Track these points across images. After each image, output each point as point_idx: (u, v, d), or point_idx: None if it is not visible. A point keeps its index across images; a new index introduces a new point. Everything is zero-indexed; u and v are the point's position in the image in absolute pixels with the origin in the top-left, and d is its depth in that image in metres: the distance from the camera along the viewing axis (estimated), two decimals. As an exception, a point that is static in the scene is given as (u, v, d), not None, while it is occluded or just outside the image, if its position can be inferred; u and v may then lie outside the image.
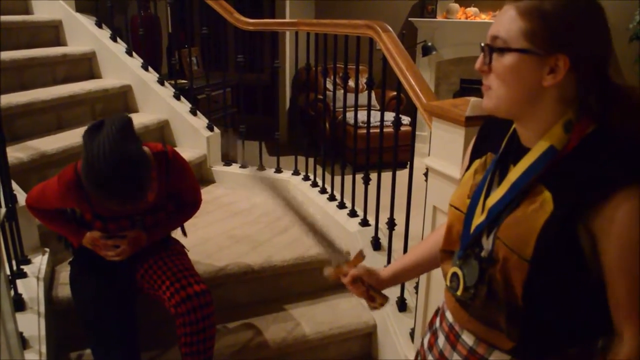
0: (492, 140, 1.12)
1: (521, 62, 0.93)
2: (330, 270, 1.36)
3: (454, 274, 1.08)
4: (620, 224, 0.88)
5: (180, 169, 2.04)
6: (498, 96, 0.97)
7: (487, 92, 1.00)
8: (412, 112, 2.21)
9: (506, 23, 0.94)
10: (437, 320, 1.22)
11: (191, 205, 2.19)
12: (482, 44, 0.98)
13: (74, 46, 3.69)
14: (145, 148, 1.84)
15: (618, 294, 0.92)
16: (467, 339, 1.10)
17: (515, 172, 0.99)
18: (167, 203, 2.07)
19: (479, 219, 1.04)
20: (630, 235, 0.87)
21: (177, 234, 2.29)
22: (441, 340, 1.17)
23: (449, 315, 1.15)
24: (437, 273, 1.89)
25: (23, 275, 2.16)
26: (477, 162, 1.13)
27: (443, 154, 1.78)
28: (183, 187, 2.10)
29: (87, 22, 3.70)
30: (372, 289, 1.32)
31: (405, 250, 2.31)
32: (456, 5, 5.68)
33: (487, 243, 1.02)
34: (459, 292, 1.06)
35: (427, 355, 1.23)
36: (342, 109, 2.98)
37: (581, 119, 0.94)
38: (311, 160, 3.35)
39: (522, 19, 0.92)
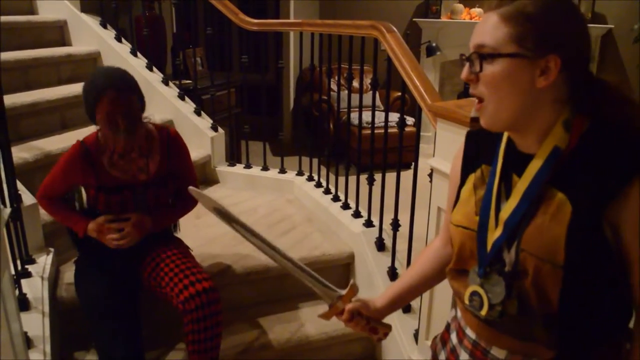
0: (482, 151, 1.10)
1: (512, 66, 0.92)
2: (325, 312, 1.32)
3: (475, 293, 1.04)
4: (633, 209, 0.89)
5: (180, 149, 2.16)
6: (495, 109, 0.97)
7: (481, 109, 0.99)
8: (416, 112, 2.20)
9: (491, 30, 0.94)
10: (454, 337, 1.18)
11: (191, 197, 2.20)
12: (465, 55, 0.99)
13: (78, 46, 3.70)
14: (150, 125, 2.08)
15: (637, 280, 0.92)
16: (497, 353, 1.07)
17: (523, 181, 0.98)
18: (168, 181, 2.11)
19: (494, 233, 1.01)
20: None
21: (179, 234, 2.29)
22: (464, 357, 1.14)
23: (470, 332, 1.12)
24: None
25: (28, 275, 2.16)
26: (472, 177, 1.10)
27: (448, 154, 1.77)
28: (183, 170, 2.17)
29: (91, 22, 3.71)
30: (372, 321, 1.29)
31: (409, 252, 2.31)
32: (460, 6, 5.68)
33: (508, 257, 0.99)
34: (483, 312, 1.03)
35: (440, 350, 1.22)
36: (346, 110, 2.97)
37: (577, 117, 0.95)
38: (315, 161, 3.35)
39: (507, 25, 0.92)
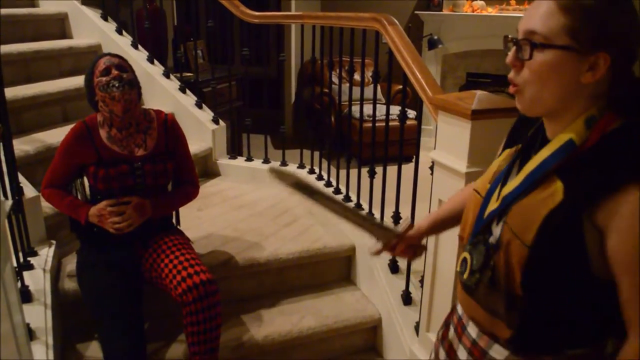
0: (523, 132, 1.12)
1: (561, 58, 0.90)
2: (378, 248, 1.33)
3: (464, 259, 1.10)
4: (624, 219, 0.87)
5: (178, 134, 2.24)
6: (533, 96, 0.96)
7: (519, 93, 0.98)
8: (418, 105, 2.20)
9: (545, 17, 0.91)
10: (452, 315, 1.24)
11: (190, 185, 2.30)
12: (514, 38, 0.96)
13: (79, 39, 3.70)
14: (149, 109, 2.23)
15: (623, 292, 0.91)
16: (472, 330, 1.11)
17: (532, 163, 0.99)
18: (167, 161, 2.16)
19: (493, 205, 1.05)
20: (634, 231, 0.86)
21: (183, 226, 2.30)
22: (451, 332, 1.19)
23: (459, 308, 1.17)
24: (442, 267, 1.89)
25: (30, 267, 2.17)
26: (507, 152, 1.13)
27: (449, 147, 1.77)
28: (180, 157, 2.24)
29: (92, 15, 3.70)
30: (414, 245, 1.34)
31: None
32: (463, -2, 5.66)
33: (496, 230, 1.03)
34: (465, 276, 1.08)
35: (439, 347, 1.24)
36: (347, 103, 2.97)
37: (605, 115, 0.93)
38: (316, 154, 3.35)
39: (564, 15, 0.90)
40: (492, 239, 1.03)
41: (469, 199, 1.16)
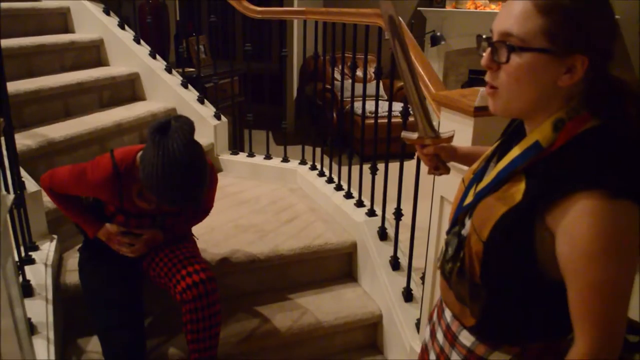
0: (513, 128, 1.13)
1: (539, 61, 0.89)
2: (411, 136, 1.28)
3: (444, 246, 1.14)
4: (571, 225, 0.87)
5: (212, 184, 2.10)
6: (508, 98, 0.95)
7: (494, 93, 0.97)
8: (420, 102, 2.19)
9: (521, 19, 0.89)
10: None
11: (204, 211, 2.24)
12: (486, 38, 0.95)
13: (82, 33, 3.69)
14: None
15: (570, 297, 0.91)
16: (447, 314, 1.16)
17: (503, 162, 1.01)
18: (189, 209, 2.12)
19: (469, 199, 1.08)
20: (583, 240, 0.86)
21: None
22: (435, 317, 1.24)
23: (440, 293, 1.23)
24: (443, 264, 1.89)
25: (31, 261, 2.17)
26: (497, 143, 1.15)
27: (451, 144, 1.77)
28: (206, 199, 2.15)
29: (95, 10, 3.70)
30: (440, 160, 1.31)
31: (411, 241, 2.31)
32: (466, -5, 5.64)
33: (467, 222, 1.06)
34: (438, 263, 1.14)
35: (426, 327, 1.30)
36: (349, 99, 2.96)
37: (576, 117, 0.92)
38: (318, 150, 3.34)
39: (541, 16, 0.87)
40: (464, 231, 1.07)
41: (458, 189, 1.18)
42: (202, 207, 2.18)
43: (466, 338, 1.09)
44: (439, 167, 1.32)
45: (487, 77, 0.97)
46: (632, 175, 0.86)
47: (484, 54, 0.96)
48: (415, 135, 1.27)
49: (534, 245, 0.92)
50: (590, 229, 0.85)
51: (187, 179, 1.68)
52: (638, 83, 0.93)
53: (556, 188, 0.88)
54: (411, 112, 1.27)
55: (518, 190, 0.94)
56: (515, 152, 0.98)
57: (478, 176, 1.09)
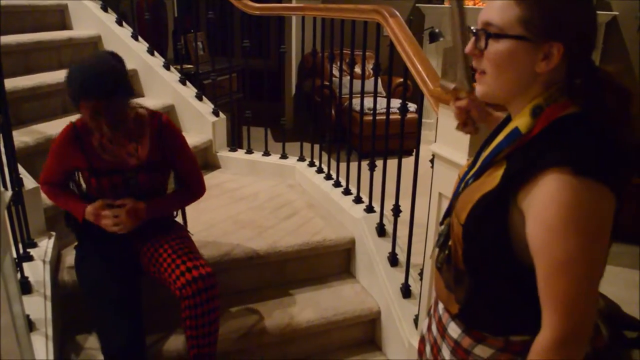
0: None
1: (515, 48, 0.93)
2: (448, 86, 1.26)
3: (438, 236, 1.17)
4: (538, 204, 0.89)
5: (174, 135, 2.11)
6: (491, 82, 0.99)
7: (481, 77, 1.02)
8: (418, 98, 2.19)
9: (500, 9, 0.94)
10: None
11: (194, 188, 2.21)
12: (474, 29, 0.99)
13: (79, 30, 3.68)
14: (142, 110, 2.04)
15: (537, 279, 0.92)
16: (440, 307, 1.18)
17: (487, 150, 1.05)
18: (162, 168, 2.10)
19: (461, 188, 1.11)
20: (547, 215, 0.87)
21: (180, 219, 2.29)
22: (432, 307, 1.27)
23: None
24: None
25: (29, 258, 2.17)
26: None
27: (450, 140, 1.77)
28: (179, 158, 2.13)
29: (92, 6, 3.69)
30: (470, 117, 1.28)
31: (410, 238, 2.31)
32: (464, -9, 5.63)
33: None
34: (433, 253, 1.18)
35: (425, 320, 1.33)
36: (348, 96, 2.96)
37: (556, 103, 0.95)
38: (317, 147, 3.34)
39: (518, 5, 0.92)
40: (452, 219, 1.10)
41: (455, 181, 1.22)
42: (187, 179, 2.16)
43: (454, 330, 1.11)
44: (467, 123, 1.28)
45: (474, 63, 1.03)
46: (603, 158, 0.88)
47: (469, 42, 1.01)
48: (452, 86, 1.25)
49: (507, 228, 0.94)
50: (554, 204, 0.86)
51: (83, 74, 1.83)
52: (620, 74, 0.95)
53: (525, 169, 0.91)
54: (450, 65, 1.24)
55: (497, 175, 0.97)
56: (498, 139, 1.02)
57: (471, 167, 1.11)
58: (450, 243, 1.08)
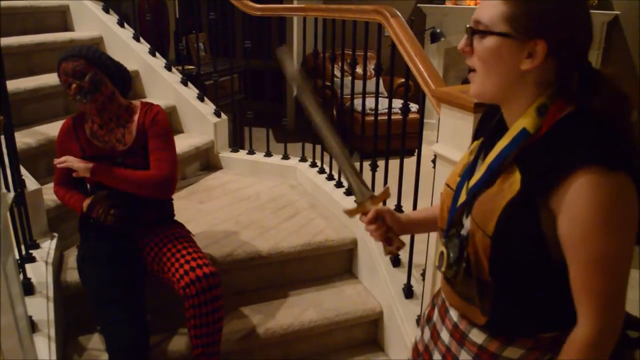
0: (488, 123, 1.14)
1: (501, 45, 0.95)
2: (351, 208, 1.28)
3: (441, 252, 1.11)
4: (572, 205, 0.89)
5: (155, 122, 2.13)
6: (481, 81, 1.00)
7: (472, 76, 1.03)
8: (420, 99, 2.19)
9: (489, 7, 0.96)
10: (438, 296, 1.27)
11: (154, 178, 2.06)
12: (467, 26, 1.00)
13: (81, 32, 3.69)
14: (136, 102, 2.18)
15: (572, 275, 0.92)
16: (453, 314, 1.15)
17: (492, 154, 1.02)
18: (145, 153, 2.12)
19: (462, 198, 1.08)
20: (587, 216, 0.88)
21: (181, 218, 2.30)
22: (436, 312, 1.24)
23: (442, 293, 1.21)
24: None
25: (32, 259, 2.17)
26: (475, 143, 1.16)
27: (451, 140, 1.77)
28: (151, 141, 2.11)
29: (94, 8, 3.69)
30: (390, 231, 1.27)
31: (412, 238, 2.31)
32: (465, -9, 5.63)
33: (466, 222, 1.06)
34: (443, 269, 1.10)
35: (424, 327, 1.29)
36: (349, 96, 2.96)
37: (556, 102, 0.95)
38: (318, 147, 3.34)
39: (504, 3, 0.94)
40: (463, 231, 1.07)
41: (443, 194, 1.18)
42: (155, 153, 2.11)
43: (477, 336, 1.08)
44: (391, 239, 1.26)
45: (466, 61, 1.04)
46: (622, 150, 0.90)
47: (462, 40, 1.02)
48: (354, 204, 1.28)
49: (541, 230, 0.93)
50: (591, 203, 0.87)
51: (73, 47, 2.05)
52: (618, 76, 0.95)
53: (554, 171, 0.90)
54: (342, 176, 1.28)
55: (515, 180, 0.96)
56: (502, 143, 1.01)
57: (467, 174, 1.09)
58: (466, 255, 1.05)
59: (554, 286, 0.98)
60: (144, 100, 2.20)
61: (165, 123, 2.17)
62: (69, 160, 2.04)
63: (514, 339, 1.04)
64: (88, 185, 2.14)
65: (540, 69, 0.94)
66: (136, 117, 2.13)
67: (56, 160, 2.07)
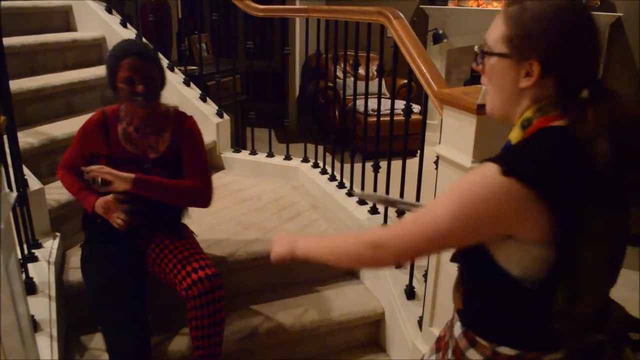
0: None
1: (501, 65, 1.01)
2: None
3: None
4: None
5: (191, 134, 2.14)
6: (490, 99, 1.07)
7: (486, 97, 1.09)
8: (422, 100, 2.19)
9: (494, 28, 1.03)
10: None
11: (195, 188, 2.09)
12: (475, 47, 1.07)
13: (84, 32, 3.70)
14: (170, 107, 2.16)
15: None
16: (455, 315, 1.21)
17: None
18: (174, 164, 2.10)
19: None
20: (457, 180, 1.02)
21: (186, 219, 2.30)
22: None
23: None
24: (446, 262, 1.88)
25: (34, 259, 2.18)
26: None
27: (454, 141, 1.77)
28: (186, 152, 2.12)
29: (97, 8, 3.70)
30: None
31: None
32: (468, -7, 5.63)
33: None
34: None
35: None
36: (352, 97, 2.96)
37: (544, 116, 0.98)
38: (320, 148, 3.34)
39: (505, 25, 1.00)
40: None
41: None
42: (190, 173, 2.09)
43: (457, 328, 1.15)
44: None
45: (481, 79, 1.10)
46: (532, 168, 0.92)
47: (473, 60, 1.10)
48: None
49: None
50: (468, 178, 0.98)
51: (130, 40, 2.08)
52: (628, 97, 0.96)
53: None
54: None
55: None
56: None
57: None
58: None
59: (510, 301, 1.01)
60: (173, 106, 2.19)
61: (200, 133, 2.19)
62: (105, 169, 1.92)
63: (476, 341, 1.09)
64: (99, 179, 2.09)
65: (538, 87, 0.98)
66: (171, 126, 2.11)
67: (90, 168, 1.93)
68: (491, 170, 0.92)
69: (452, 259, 1.10)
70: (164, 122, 2.10)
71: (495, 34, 1.01)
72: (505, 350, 1.04)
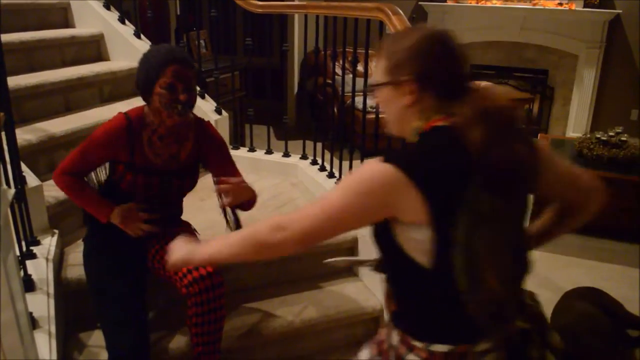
0: None
1: (388, 91, 1.19)
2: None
3: None
4: None
5: (214, 139, 2.13)
6: (387, 121, 1.24)
7: (383, 119, 1.27)
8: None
9: (378, 66, 1.21)
10: None
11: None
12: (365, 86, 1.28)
13: (82, 28, 3.69)
14: (191, 114, 2.03)
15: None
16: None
17: None
18: (194, 173, 2.11)
19: None
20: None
21: (186, 216, 2.29)
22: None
23: None
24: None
25: (32, 256, 2.17)
26: None
27: (453, 138, 1.76)
28: (220, 161, 2.13)
29: (95, 4, 3.69)
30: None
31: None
32: (467, -11, 5.62)
33: None
34: None
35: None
36: (351, 94, 2.96)
37: (427, 122, 1.15)
38: (319, 145, 3.34)
39: (383, 59, 1.20)
40: None
41: None
42: (225, 171, 2.10)
43: (395, 336, 1.23)
44: None
45: (380, 108, 1.27)
46: (408, 158, 1.11)
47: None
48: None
49: (388, 228, 1.13)
50: (356, 171, 1.12)
51: (170, 47, 1.97)
52: (493, 96, 1.13)
53: None
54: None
55: None
56: None
57: None
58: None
59: (426, 290, 1.13)
60: (194, 113, 2.09)
61: (219, 135, 2.17)
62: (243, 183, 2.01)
63: (413, 346, 1.17)
64: (101, 180, 2.05)
65: (421, 101, 1.15)
66: (192, 133, 2.07)
67: (225, 186, 1.93)
68: (377, 160, 1.09)
69: (377, 270, 1.26)
70: (187, 130, 2.05)
71: (380, 69, 1.20)
72: (438, 347, 1.13)
